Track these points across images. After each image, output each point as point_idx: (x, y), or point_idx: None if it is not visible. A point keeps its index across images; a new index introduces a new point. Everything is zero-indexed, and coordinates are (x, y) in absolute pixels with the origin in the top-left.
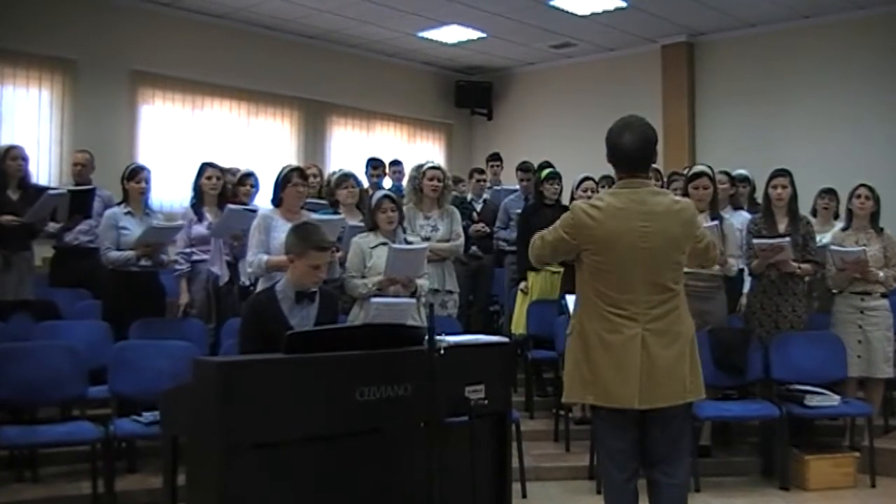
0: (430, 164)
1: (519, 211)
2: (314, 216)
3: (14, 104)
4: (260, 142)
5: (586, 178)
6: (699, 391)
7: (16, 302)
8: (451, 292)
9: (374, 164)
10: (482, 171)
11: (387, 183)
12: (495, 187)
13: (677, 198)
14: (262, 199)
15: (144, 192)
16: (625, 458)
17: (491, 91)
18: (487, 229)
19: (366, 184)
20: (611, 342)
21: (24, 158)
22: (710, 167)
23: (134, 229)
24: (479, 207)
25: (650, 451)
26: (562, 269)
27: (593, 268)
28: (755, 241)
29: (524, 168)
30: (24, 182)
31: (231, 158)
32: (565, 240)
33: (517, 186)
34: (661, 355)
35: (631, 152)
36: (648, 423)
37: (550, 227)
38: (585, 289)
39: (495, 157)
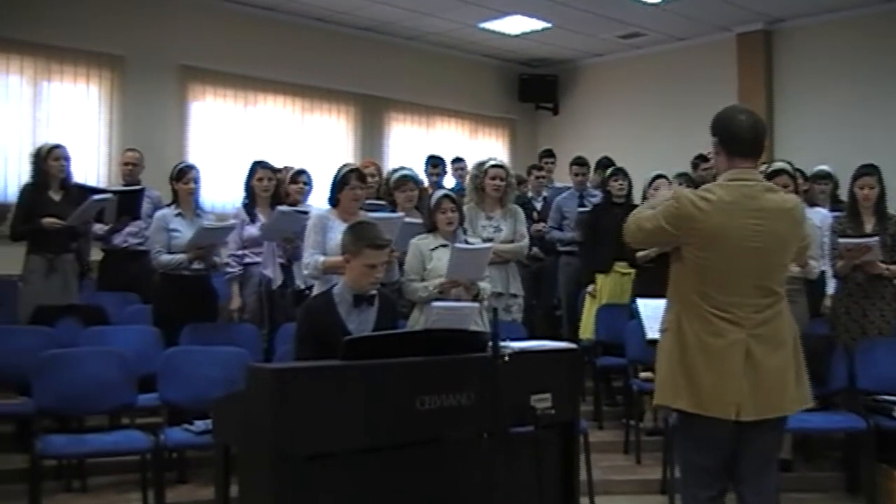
0: (493, 162)
1: (580, 209)
2: (371, 215)
3: (61, 101)
4: (315, 139)
5: (659, 176)
6: (804, 399)
7: (62, 307)
8: (515, 296)
9: (434, 162)
10: (541, 168)
11: (449, 182)
12: (548, 185)
13: (787, 195)
14: (316, 199)
15: (194, 193)
16: (710, 476)
17: (556, 84)
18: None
19: (426, 182)
20: (711, 346)
21: (67, 158)
22: (789, 164)
23: (185, 231)
24: (538, 206)
25: (741, 466)
26: (633, 271)
27: (696, 265)
28: (841, 240)
29: (579, 162)
30: (66, 182)
31: (285, 157)
32: (665, 230)
33: (570, 183)
34: (766, 363)
35: (746, 133)
36: (742, 436)
37: (649, 213)
38: (684, 286)
39: (549, 154)
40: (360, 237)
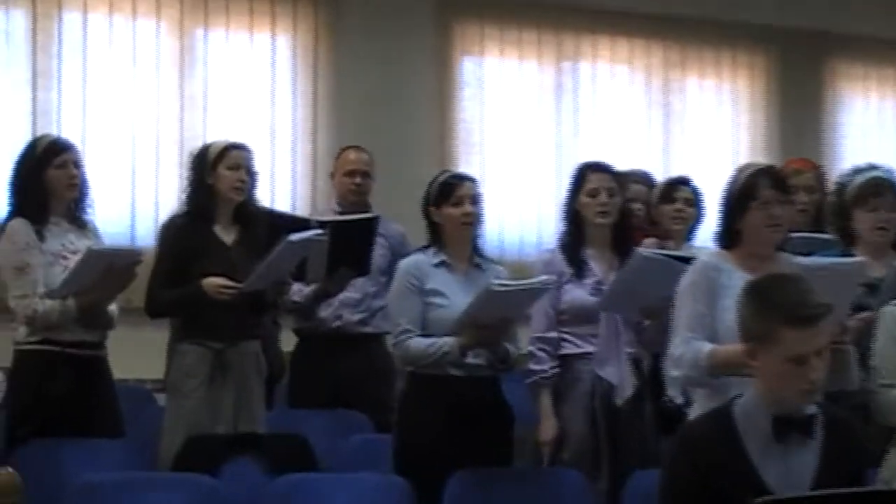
0: None
1: None
2: (802, 262)
3: (230, 64)
4: (692, 120)
5: None
6: None
7: (233, 437)
8: None
9: None
10: None
11: None
12: None
13: None
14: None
15: (472, 224)
16: None
17: None
18: None
19: None
20: None
21: (252, 172)
22: None
23: (455, 297)
24: None
25: None
26: None
27: None
28: None
29: None
30: (245, 210)
31: (636, 155)
32: None
33: None
34: None
35: None
36: None
37: None
38: None
39: None
40: (769, 306)
